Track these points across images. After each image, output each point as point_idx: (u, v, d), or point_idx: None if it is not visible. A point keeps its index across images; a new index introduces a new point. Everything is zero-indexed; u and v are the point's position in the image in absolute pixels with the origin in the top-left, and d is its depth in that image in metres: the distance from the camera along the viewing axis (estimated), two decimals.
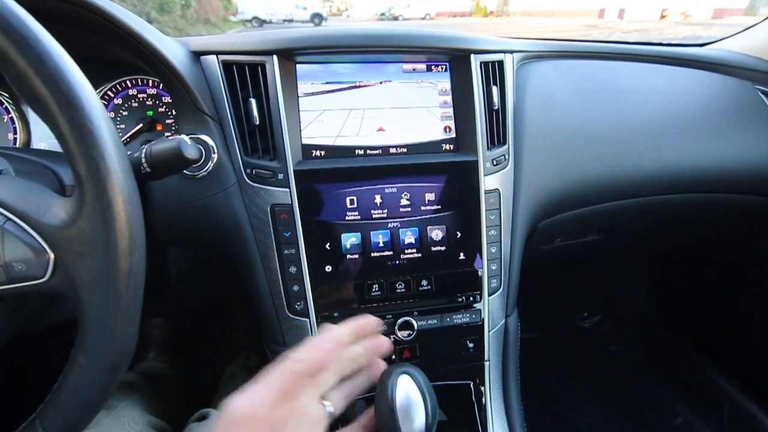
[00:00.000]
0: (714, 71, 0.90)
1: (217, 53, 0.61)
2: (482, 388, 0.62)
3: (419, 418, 0.44)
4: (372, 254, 0.60)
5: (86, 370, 0.34)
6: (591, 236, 0.94)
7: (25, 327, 0.41)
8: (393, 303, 0.60)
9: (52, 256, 0.32)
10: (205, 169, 0.57)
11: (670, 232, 1.07)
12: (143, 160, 0.46)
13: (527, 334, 0.68)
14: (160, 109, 0.71)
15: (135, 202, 0.34)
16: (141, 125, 0.69)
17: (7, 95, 0.66)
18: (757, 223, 1.00)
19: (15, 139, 0.67)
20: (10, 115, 0.66)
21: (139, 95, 0.70)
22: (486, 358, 0.62)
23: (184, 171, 0.57)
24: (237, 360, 0.91)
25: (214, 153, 0.58)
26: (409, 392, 0.45)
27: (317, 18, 19.67)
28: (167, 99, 0.70)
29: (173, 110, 0.70)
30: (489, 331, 0.62)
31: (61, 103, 0.31)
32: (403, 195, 0.61)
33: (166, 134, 0.70)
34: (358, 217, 0.60)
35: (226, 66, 0.60)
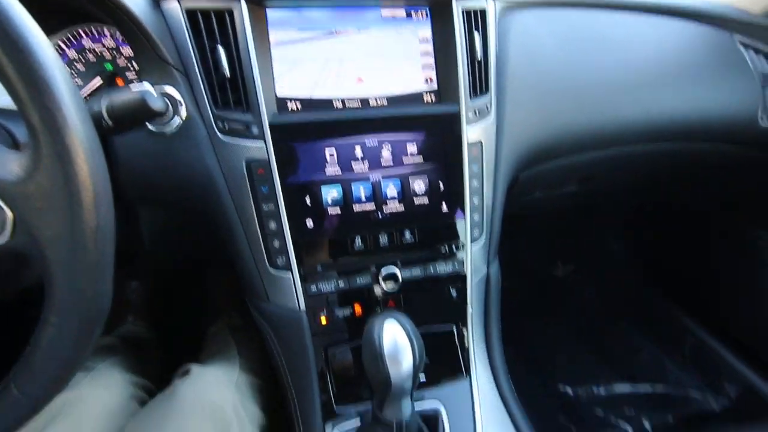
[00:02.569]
0: (696, 21, 0.89)
1: None
2: (464, 331, 0.64)
3: (407, 361, 0.46)
4: (354, 207, 0.59)
5: (59, 329, 0.33)
6: (569, 187, 0.96)
7: None
8: (376, 256, 0.60)
9: (10, 214, 0.30)
10: (173, 123, 0.55)
11: (646, 182, 1.10)
12: (104, 112, 0.43)
13: (504, 283, 0.70)
14: (120, 62, 0.66)
15: (97, 152, 0.32)
16: (100, 81, 0.65)
17: None
18: (730, 171, 1.04)
19: None
20: None
21: (96, 47, 0.65)
22: (469, 305, 0.64)
23: (151, 127, 0.54)
24: (220, 320, 0.91)
25: (182, 105, 0.55)
26: (395, 337, 0.46)
27: None
28: (127, 50, 0.65)
29: (135, 63, 0.66)
30: (472, 280, 0.64)
31: (8, 48, 0.28)
32: (384, 147, 0.60)
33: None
34: (339, 171, 0.58)
35: (190, 13, 0.56)
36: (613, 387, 1.21)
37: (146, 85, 0.45)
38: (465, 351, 0.64)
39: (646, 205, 1.38)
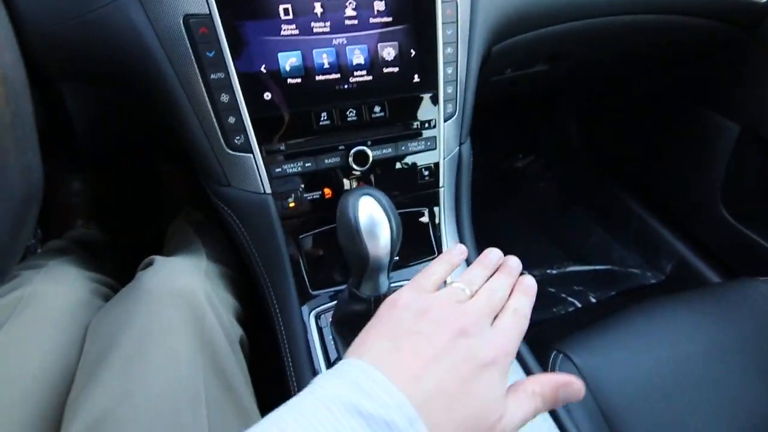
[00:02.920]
0: None
1: None
2: (436, 210, 0.62)
3: (384, 235, 0.43)
4: (316, 77, 0.52)
5: None
6: (540, 66, 0.91)
7: None
8: (344, 133, 0.55)
9: None
10: None
11: (613, 60, 1.07)
12: None
13: None
14: None
15: None
16: None
17: None
18: (704, 49, 1.02)
19: None
20: None
21: None
22: (441, 185, 0.61)
23: None
24: (179, 216, 0.85)
25: None
26: (371, 212, 0.43)
27: None
28: None
29: None
30: (444, 158, 0.61)
31: None
32: (348, 3, 0.51)
33: None
34: (296, 32, 0.50)
35: None
36: (564, 267, 1.31)
37: None
38: (436, 229, 0.63)
39: (607, 92, 1.38)
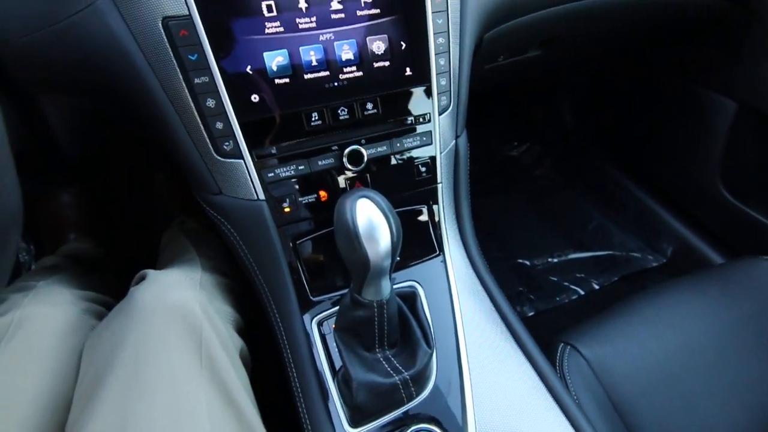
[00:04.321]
0: None
1: None
2: (435, 208, 0.61)
3: (384, 238, 0.42)
4: (305, 76, 0.50)
5: None
6: (532, 52, 0.89)
7: None
8: (337, 132, 0.53)
9: None
10: None
11: (607, 42, 1.05)
12: None
13: None
14: None
15: None
16: None
17: None
18: (698, 26, 1.00)
19: None
20: None
21: None
22: (439, 180, 0.60)
23: None
24: (172, 225, 0.83)
25: None
26: (370, 215, 0.42)
27: None
28: None
29: None
30: (441, 153, 0.59)
31: None
32: None
33: None
34: (281, 29, 0.48)
35: None
36: (565, 255, 1.30)
37: None
38: (437, 227, 0.61)
39: (601, 76, 1.36)
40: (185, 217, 0.87)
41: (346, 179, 0.55)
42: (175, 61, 0.45)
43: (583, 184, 1.46)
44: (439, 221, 0.61)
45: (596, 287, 1.21)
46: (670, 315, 0.71)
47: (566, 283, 1.22)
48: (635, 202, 1.33)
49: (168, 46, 0.45)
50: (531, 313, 1.14)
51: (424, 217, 0.61)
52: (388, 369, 0.48)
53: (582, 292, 1.19)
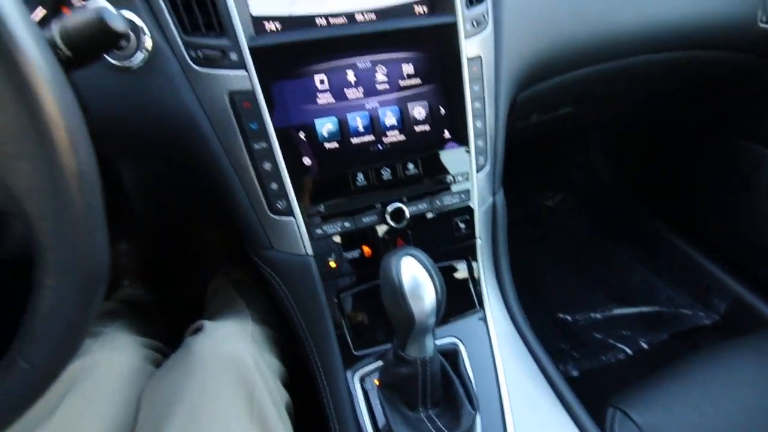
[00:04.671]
0: None
1: None
2: (474, 264, 0.62)
3: (428, 296, 0.43)
4: (352, 140, 0.54)
5: (57, 292, 0.28)
6: (565, 109, 0.92)
7: None
8: (380, 191, 0.56)
9: None
10: (139, 56, 0.47)
11: (641, 99, 1.07)
12: (58, 39, 0.36)
13: None
14: None
15: (63, 84, 0.26)
16: (43, 11, 0.55)
17: None
18: (725, 82, 1.01)
19: None
20: None
21: None
22: (477, 236, 0.61)
23: (114, 61, 0.47)
24: (218, 275, 0.87)
25: (145, 34, 0.47)
26: (415, 273, 0.43)
27: None
28: None
29: None
30: (479, 210, 0.61)
31: None
32: (378, 69, 0.54)
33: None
34: (332, 100, 0.53)
35: None
36: (608, 310, 1.25)
37: (101, 1, 0.38)
38: (476, 284, 0.62)
39: (636, 127, 1.37)
40: (229, 266, 0.91)
41: (389, 235, 0.57)
42: (238, 129, 0.50)
43: (623, 235, 1.43)
44: (478, 277, 0.62)
45: (644, 346, 1.14)
46: (728, 378, 0.66)
47: (612, 341, 1.16)
48: (681, 255, 1.28)
49: (232, 116, 0.50)
50: (575, 373, 1.09)
51: (463, 273, 0.62)
52: (432, 429, 0.47)
53: (629, 351, 1.13)
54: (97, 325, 0.61)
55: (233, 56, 0.48)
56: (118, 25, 0.36)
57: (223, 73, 0.49)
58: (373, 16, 0.56)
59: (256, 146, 0.51)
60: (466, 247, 0.61)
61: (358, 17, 0.55)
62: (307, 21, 0.53)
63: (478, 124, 0.59)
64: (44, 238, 0.27)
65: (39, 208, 0.26)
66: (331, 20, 0.54)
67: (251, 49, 0.48)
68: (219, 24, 0.48)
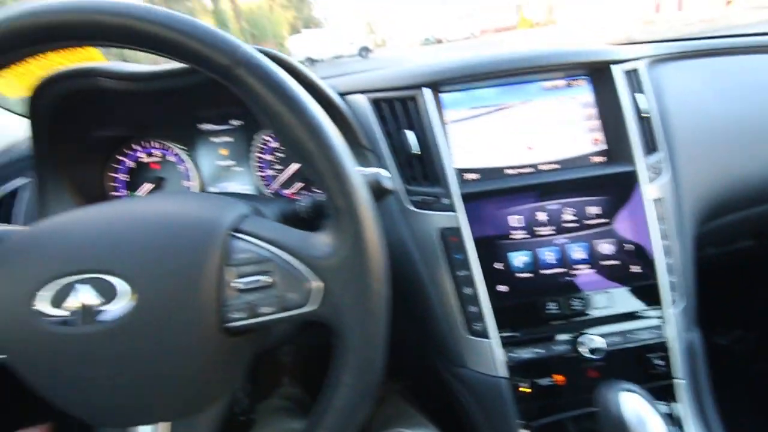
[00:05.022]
0: None
1: (364, 92, 0.66)
2: (676, 406, 0.58)
3: None
4: (541, 272, 0.59)
5: (353, 389, 0.35)
6: (744, 242, 0.87)
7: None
8: (571, 321, 0.58)
9: (321, 285, 0.35)
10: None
11: None
12: None
13: None
14: None
15: (380, 228, 0.36)
16: (297, 165, 0.74)
17: (185, 148, 0.74)
18: None
19: (190, 186, 0.74)
20: (185, 164, 0.74)
21: None
22: (677, 376, 0.58)
23: None
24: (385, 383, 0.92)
25: None
26: (638, 409, 0.43)
27: (364, 51, 20.50)
28: None
29: None
30: (676, 348, 0.59)
31: (322, 149, 0.34)
32: (565, 210, 0.61)
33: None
34: (526, 236, 0.60)
35: (375, 102, 0.64)
36: None
37: (375, 168, 0.51)
38: (680, 428, 0.57)
39: None
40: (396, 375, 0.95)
41: (582, 365, 0.58)
42: (445, 259, 0.59)
43: None
44: (682, 421, 0.57)
45: None
46: None
47: None
48: None
49: (441, 248, 0.59)
50: None
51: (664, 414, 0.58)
52: None
53: None
54: (284, 420, 0.68)
55: (445, 201, 0.60)
56: (390, 185, 0.49)
57: (437, 214, 0.60)
58: (556, 166, 0.65)
59: (459, 274, 0.59)
60: (664, 387, 0.58)
61: (542, 167, 0.64)
62: (499, 172, 0.64)
63: (669, 260, 0.61)
64: (351, 345, 0.35)
65: (354, 319, 0.35)
66: (520, 171, 0.64)
67: (462, 195, 0.59)
68: (434, 177, 0.61)
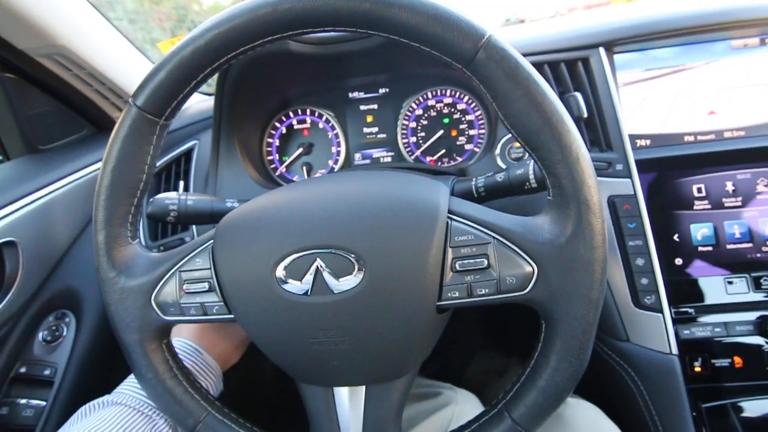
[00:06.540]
0: None
1: (526, 55, 0.63)
2: None
3: None
4: (727, 246, 0.55)
5: (556, 370, 0.35)
6: None
7: None
8: (760, 302, 0.54)
9: (535, 269, 0.34)
10: None
11: None
12: (531, 176, 0.47)
13: None
14: (455, 116, 0.75)
15: (604, 216, 0.35)
16: (441, 132, 0.75)
17: (335, 115, 0.78)
18: None
19: (338, 151, 0.78)
20: (334, 131, 0.78)
21: (438, 105, 0.76)
22: None
23: None
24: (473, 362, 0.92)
25: None
26: None
27: None
28: (461, 106, 0.75)
29: (465, 116, 0.75)
30: None
31: (556, 137, 0.33)
32: (759, 181, 0.55)
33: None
34: (708, 207, 0.55)
35: (538, 66, 0.62)
36: None
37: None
38: None
39: None
40: (483, 353, 0.94)
41: (763, 350, 0.53)
42: (614, 227, 0.56)
43: None
44: None
45: None
46: None
47: None
48: None
49: (609, 216, 0.57)
50: None
51: None
52: None
53: None
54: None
55: (619, 167, 0.57)
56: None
57: (608, 180, 0.57)
58: (742, 133, 0.58)
59: (631, 243, 0.56)
60: None
61: (726, 134, 0.59)
62: (676, 138, 0.59)
63: None
64: (563, 330, 0.34)
65: (572, 309, 0.34)
66: (699, 137, 0.59)
67: (638, 161, 0.56)
68: (606, 141, 0.58)
